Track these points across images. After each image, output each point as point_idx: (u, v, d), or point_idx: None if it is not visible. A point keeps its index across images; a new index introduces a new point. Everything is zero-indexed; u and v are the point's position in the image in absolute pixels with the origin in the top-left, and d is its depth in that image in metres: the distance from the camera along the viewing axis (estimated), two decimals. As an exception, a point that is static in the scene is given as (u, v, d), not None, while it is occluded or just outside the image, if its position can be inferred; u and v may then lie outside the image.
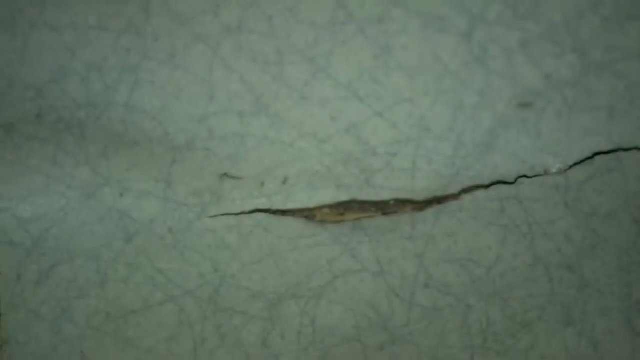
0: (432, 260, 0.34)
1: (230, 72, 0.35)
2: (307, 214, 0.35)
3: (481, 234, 0.34)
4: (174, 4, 0.35)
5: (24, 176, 0.34)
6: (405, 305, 0.34)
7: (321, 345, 0.34)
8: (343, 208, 0.35)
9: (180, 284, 0.34)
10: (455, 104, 0.33)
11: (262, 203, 0.35)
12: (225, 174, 0.35)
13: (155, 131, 0.35)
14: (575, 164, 0.33)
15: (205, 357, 0.34)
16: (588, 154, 0.33)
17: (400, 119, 0.34)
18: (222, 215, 0.35)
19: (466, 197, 0.34)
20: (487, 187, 0.34)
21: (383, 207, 0.35)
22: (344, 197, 0.35)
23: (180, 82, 0.35)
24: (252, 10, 0.34)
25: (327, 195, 0.35)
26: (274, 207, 0.35)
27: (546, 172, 0.33)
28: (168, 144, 0.35)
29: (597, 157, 0.33)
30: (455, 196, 0.34)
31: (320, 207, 0.35)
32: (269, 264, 0.34)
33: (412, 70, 0.33)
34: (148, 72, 0.35)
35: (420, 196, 0.35)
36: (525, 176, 0.33)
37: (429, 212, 0.35)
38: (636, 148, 0.33)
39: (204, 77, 0.35)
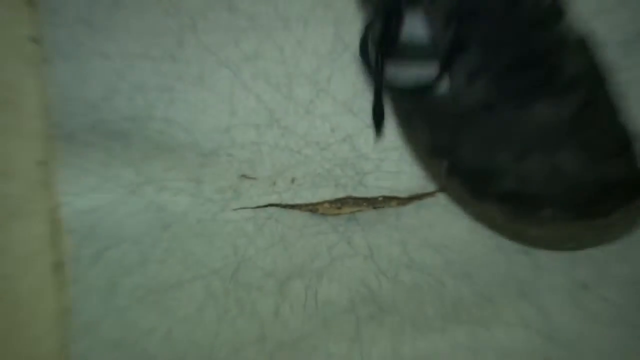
0: (414, 246, 0.41)
1: (248, 92, 0.42)
2: (311, 208, 0.42)
3: (454, 225, 0.41)
4: (203, 36, 0.42)
5: (81, 176, 0.41)
6: (390, 283, 0.41)
7: (322, 315, 0.41)
8: (340, 203, 0.42)
9: (207, 264, 0.41)
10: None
11: (274, 199, 0.42)
12: (244, 175, 0.42)
13: (186, 140, 0.42)
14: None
15: (228, 325, 0.41)
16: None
17: (387, 130, 0.41)
18: (241, 208, 0.42)
19: (441, 195, 0.41)
20: (458, 186, 0.41)
21: (373, 203, 0.42)
22: (341, 194, 0.42)
23: (208, 100, 0.42)
24: (266, 42, 0.42)
25: (327, 193, 0.42)
26: (284, 202, 0.42)
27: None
28: (197, 150, 0.42)
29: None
30: (432, 194, 0.42)
31: (322, 202, 0.42)
32: (279, 248, 0.41)
33: (397, 91, 0.40)
34: (181, 92, 0.42)
35: (403, 193, 0.42)
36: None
37: (411, 206, 0.42)
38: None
39: (227, 96, 0.42)
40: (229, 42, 0.42)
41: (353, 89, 0.41)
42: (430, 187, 0.41)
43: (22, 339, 0.39)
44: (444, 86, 0.34)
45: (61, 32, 0.42)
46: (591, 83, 0.35)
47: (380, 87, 0.36)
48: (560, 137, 0.34)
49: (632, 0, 0.41)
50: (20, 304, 0.40)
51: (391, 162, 0.42)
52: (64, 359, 0.40)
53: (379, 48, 0.36)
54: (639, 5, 0.41)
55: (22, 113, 0.41)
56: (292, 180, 0.42)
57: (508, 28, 0.34)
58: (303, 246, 0.41)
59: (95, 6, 0.42)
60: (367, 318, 0.40)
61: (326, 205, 0.42)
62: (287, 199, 0.42)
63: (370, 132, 0.42)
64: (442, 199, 0.41)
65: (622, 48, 0.40)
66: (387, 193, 0.42)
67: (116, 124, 0.41)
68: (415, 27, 0.34)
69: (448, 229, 0.41)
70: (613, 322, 0.39)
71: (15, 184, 0.40)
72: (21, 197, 0.41)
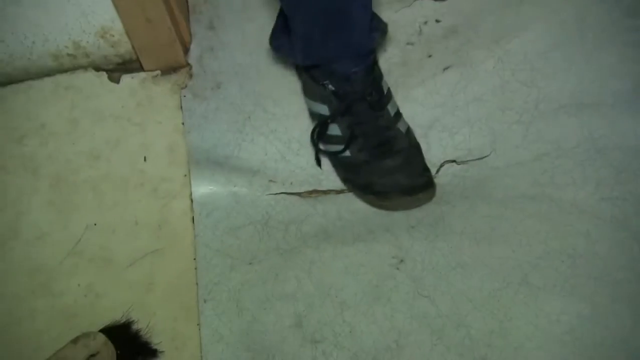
0: (345, 205, 1.01)
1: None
2: (298, 194, 1.01)
3: (353, 203, 1.01)
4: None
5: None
6: (336, 228, 1.00)
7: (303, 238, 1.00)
8: (312, 192, 1.01)
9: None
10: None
11: (284, 189, 1.01)
12: (271, 180, 1.01)
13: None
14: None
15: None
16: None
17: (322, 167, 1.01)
18: (272, 194, 1.01)
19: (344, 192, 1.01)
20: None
21: (323, 192, 1.01)
22: (310, 188, 1.01)
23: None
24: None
25: (305, 188, 1.01)
26: (287, 191, 1.01)
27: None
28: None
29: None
30: (345, 191, 1.01)
31: (304, 191, 1.01)
32: (286, 208, 1.00)
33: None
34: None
35: (340, 186, 1.01)
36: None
37: (341, 194, 1.01)
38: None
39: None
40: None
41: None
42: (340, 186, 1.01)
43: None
44: (347, 153, 0.94)
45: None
46: (408, 151, 0.96)
47: (317, 151, 0.97)
48: (395, 171, 0.94)
49: None
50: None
51: (329, 181, 1.01)
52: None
53: (317, 137, 0.96)
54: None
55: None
56: (291, 183, 1.01)
57: (375, 129, 0.94)
58: (296, 208, 1.01)
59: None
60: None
61: (305, 193, 1.01)
62: (289, 189, 1.01)
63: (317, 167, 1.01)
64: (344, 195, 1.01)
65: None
66: (330, 187, 1.01)
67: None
68: (334, 129, 0.94)
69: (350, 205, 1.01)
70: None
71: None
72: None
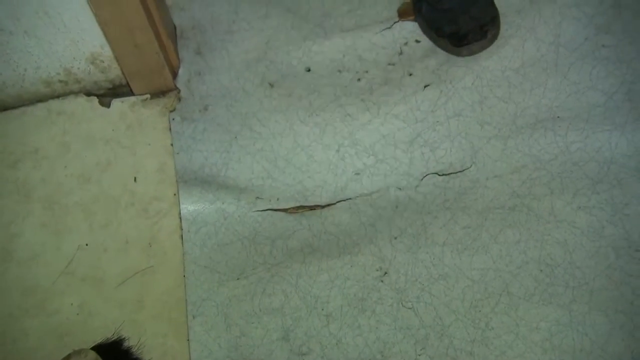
0: (330, 219, 1.03)
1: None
2: (284, 210, 1.04)
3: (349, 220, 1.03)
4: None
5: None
6: (322, 226, 1.03)
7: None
8: (298, 208, 1.04)
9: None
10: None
11: (270, 206, 1.04)
12: (258, 197, 1.04)
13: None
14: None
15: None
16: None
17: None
18: (259, 210, 1.04)
19: (338, 205, 1.03)
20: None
21: (309, 207, 1.04)
22: (297, 204, 1.04)
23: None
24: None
25: (292, 204, 1.04)
26: (274, 208, 1.04)
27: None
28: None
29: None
30: (331, 205, 1.04)
31: (290, 207, 1.04)
32: (273, 224, 1.03)
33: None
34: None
35: (325, 202, 1.04)
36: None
37: (326, 209, 1.04)
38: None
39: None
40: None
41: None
42: (331, 200, 1.04)
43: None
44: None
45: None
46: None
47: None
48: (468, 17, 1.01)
49: None
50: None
51: (314, 197, 1.04)
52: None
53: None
54: None
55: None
56: (277, 199, 1.04)
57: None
58: (282, 224, 1.03)
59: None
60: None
61: (292, 209, 1.04)
62: (275, 206, 1.04)
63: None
64: (338, 208, 1.03)
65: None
66: (317, 203, 1.04)
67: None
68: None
69: (335, 218, 1.03)
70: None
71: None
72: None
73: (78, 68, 1.07)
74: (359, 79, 1.08)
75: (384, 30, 1.11)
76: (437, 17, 1.05)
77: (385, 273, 0.95)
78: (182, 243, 1.00)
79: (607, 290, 0.88)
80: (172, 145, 1.06)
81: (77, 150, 1.08)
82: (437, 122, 1.03)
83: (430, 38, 1.08)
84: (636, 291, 0.87)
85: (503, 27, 1.05)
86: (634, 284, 0.87)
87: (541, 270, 0.91)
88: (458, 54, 1.05)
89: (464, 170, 1.01)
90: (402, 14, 1.11)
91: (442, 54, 1.07)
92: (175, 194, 1.03)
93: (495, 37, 1.04)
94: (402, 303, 0.93)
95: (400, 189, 1.01)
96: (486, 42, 1.03)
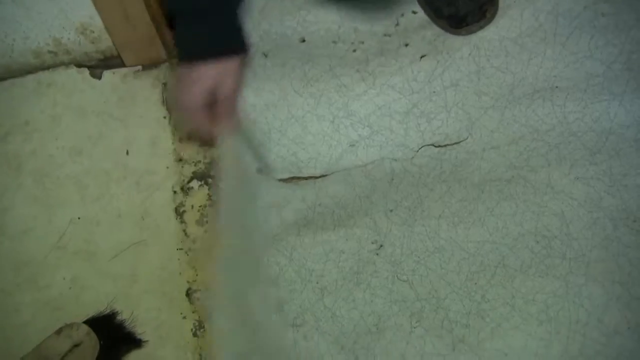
0: (324, 190, 1.02)
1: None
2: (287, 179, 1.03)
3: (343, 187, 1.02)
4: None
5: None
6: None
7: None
8: (294, 178, 1.03)
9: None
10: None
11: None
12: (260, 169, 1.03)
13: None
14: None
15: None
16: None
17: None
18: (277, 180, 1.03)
19: (332, 176, 1.02)
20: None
21: (304, 177, 1.03)
22: (290, 175, 1.03)
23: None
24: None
25: (286, 175, 1.03)
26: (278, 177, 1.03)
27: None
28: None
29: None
30: (325, 176, 1.03)
31: (288, 178, 1.03)
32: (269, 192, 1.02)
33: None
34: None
35: (320, 173, 1.03)
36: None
37: (320, 179, 1.03)
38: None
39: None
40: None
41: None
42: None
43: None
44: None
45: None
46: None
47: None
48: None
49: None
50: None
51: (308, 168, 1.03)
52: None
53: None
54: None
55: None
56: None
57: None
58: (276, 191, 1.02)
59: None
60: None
61: (288, 179, 1.03)
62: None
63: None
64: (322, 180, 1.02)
65: None
66: (310, 174, 1.03)
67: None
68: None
69: (329, 190, 1.02)
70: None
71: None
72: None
73: (68, 38, 1.05)
74: (354, 50, 1.06)
75: (380, 0, 1.09)
76: None
77: (381, 246, 0.94)
78: (176, 216, 0.98)
79: (604, 261, 0.87)
80: (164, 117, 1.05)
81: (68, 123, 1.06)
82: (434, 92, 1.02)
83: (430, 17, 1.06)
84: (633, 262, 0.86)
85: (501, -3, 1.03)
86: (631, 255, 0.86)
87: (537, 242, 0.90)
88: (457, 34, 1.03)
89: (460, 141, 0.99)
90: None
91: (439, 24, 1.06)
92: (168, 167, 1.01)
93: (494, 15, 1.02)
94: (397, 276, 0.92)
95: (395, 160, 1.00)
96: (485, 22, 1.01)
